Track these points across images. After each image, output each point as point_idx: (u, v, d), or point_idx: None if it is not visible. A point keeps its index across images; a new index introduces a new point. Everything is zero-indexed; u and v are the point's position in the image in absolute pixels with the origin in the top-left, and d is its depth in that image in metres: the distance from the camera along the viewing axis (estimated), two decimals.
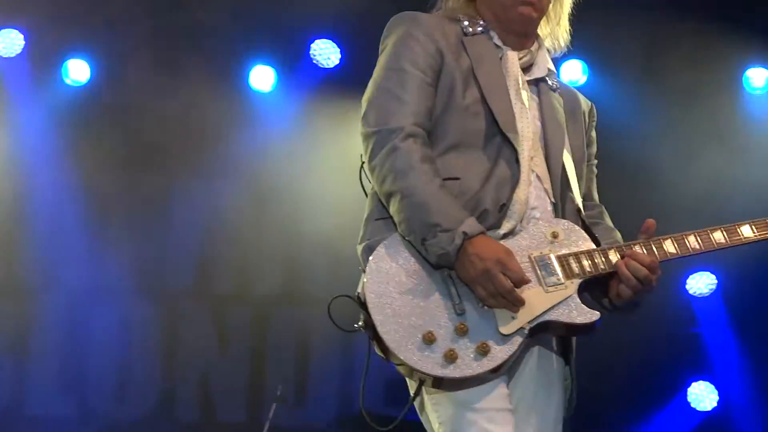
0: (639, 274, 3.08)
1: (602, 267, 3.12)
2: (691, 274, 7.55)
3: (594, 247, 3.15)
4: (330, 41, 7.55)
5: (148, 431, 7.45)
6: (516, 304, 2.98)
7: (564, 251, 3.14)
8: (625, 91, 7.49)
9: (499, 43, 3.29)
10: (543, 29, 3.41)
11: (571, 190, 3.27)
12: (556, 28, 3.41)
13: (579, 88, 7.56)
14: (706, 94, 7.46)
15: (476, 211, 3.08)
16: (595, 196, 3.47)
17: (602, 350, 7.48)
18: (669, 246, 3.15)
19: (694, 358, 7.57)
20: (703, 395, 7.51)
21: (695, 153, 7.46)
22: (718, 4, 7.28)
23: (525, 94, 3.28)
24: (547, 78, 3.36)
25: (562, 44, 3.42)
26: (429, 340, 2.98)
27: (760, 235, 3.18)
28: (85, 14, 7.26)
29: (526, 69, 3.32)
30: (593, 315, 3.06)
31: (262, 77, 7.49)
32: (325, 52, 7.53)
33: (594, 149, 3.48)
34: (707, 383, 7.52)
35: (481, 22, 3.29)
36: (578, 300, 3.08)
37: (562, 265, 3.11)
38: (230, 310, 7.74)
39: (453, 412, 3.04)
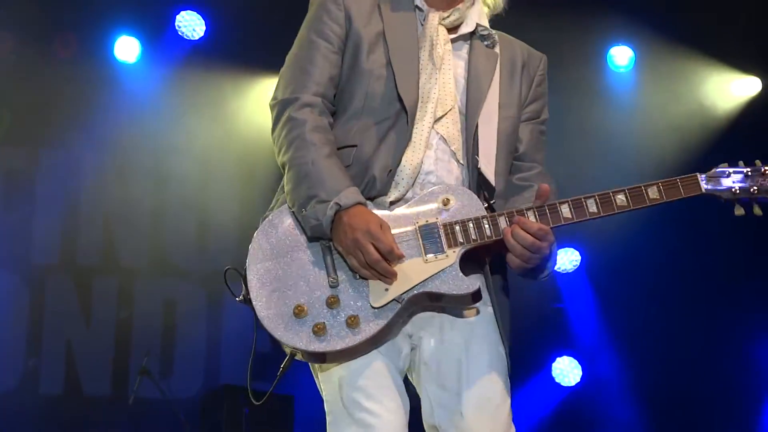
0: (525, 242, 2.94)
1: (488, 234, 2.99)
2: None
3: (484, 213, 3.02)
4: (195, 13, 7.51)
5: (13, 405, 7.38)
6: (386, 275, 2.91)
7: (453, 219, 3.02)
8: None
9: (420, 3, 3.24)
10: None
11: (477, 153, 3.15)
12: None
13: None
14: (571, 72, 7.46)
15: (365, 178, 3.05)
16: (538, 156, 3.32)
17: None
18: (565, 211, 3.00)
19: (559, 333, 7.67)
20: (567, 370, 7.61)
21: (558, 132, 7.35)
22: None
23: (443, 54, 3.20)
24: (480, 33, 3.25)
25: (499, 7, 3.35)
26: (299, 313, 2.93)
27: (666, 196, 3.01)
28: None
29: (454, 28, 3.24)
30: (471, 286, 2.94)
31: (126, 48, 7.44)
32: (190, 24, 7.50)
33: (540, 105, 3.35)
34: (571, 358, 7.62)
35: None
36: (458, 269, 2.97)
37: (446, 234, 3.01)
38: (95, 281, 7.70)
39: (334, 390, 3.00)
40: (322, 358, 2.95)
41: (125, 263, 7.72)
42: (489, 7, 3.29)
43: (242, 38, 7.61)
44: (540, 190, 2.97)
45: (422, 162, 3.08)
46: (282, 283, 2.98)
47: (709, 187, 2.98)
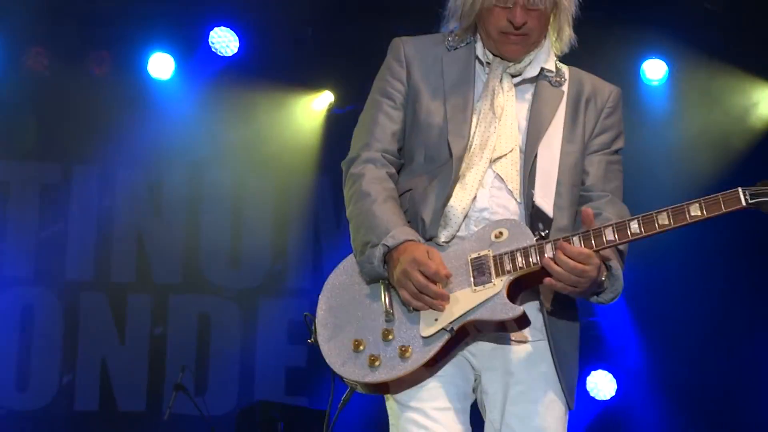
0: (567, 266, 3.02)
1: (534, 261, 3.09)
2: None
3: (533, 243, 3.13)
4: (229, 29, 7.59)
5: (48, 421, 7.52)
6: (435, 298, 3.04)
7: (503, 250, 3.14)
8: None
9: (482, 55, 3.38)
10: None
11: (534, 187, 3.26)
12: (555, 39, 3.42)
13: None
14: None
15: (417, 221, 3.23)
16: (608, 186, 3.39)
17: None
18: (609, 234, 3.07)
19: (593, 347, 7.66)
20: (601, 384, 7.62)
21: None
22: None
23: (504, 103, 3.34)
24: (546, 75, 3.39)
25: (565, 48, 3.46)
26: (357, 347, 3.10)
27: (707, 212, 3.05)
28: None
29: (519, 73, 3.38)
30: (515, 311, 3.04)
31: (160, 65, 7.53)
32: (224, 40, 7.59)
33: (610, 136, 3.43)
34: (606, 372, 7.63)
35: (470, 38, 3.41)
36: (504, 297, 3.07)
37: (495, 264, 3.12)
38: (129, 298, 7.80)
39: (394, 412, 3.18)
40: (379, 389, 3.11)
41: (159, 279, 7.85)
42: (557, 49, 3.39)
43: (275, 54, 7.72)
44: (583, 214, 3.07)
45: (475, 200, 3.22)
46: (343, 322, 3.18)
47: (752, 200, 2.99)
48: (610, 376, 7.65)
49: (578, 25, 7.45)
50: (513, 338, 3.18)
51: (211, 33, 7.54)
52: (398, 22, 6.96)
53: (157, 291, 7.89)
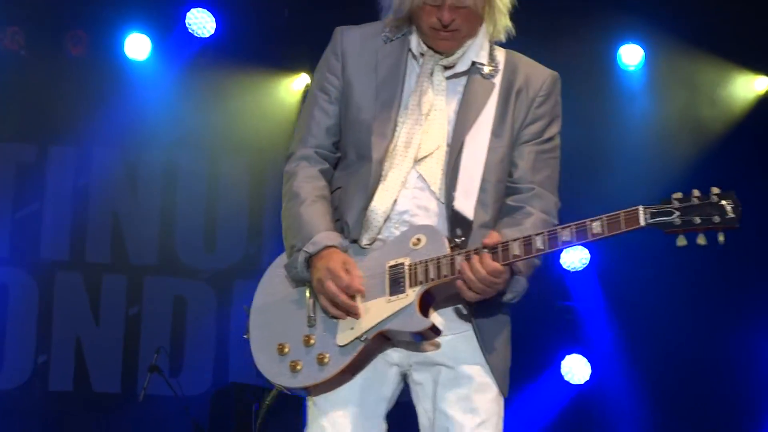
0: (479, 275, 3.11)
1: (445, 273, 3.18)
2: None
3: (446, 252, 3.20)
4: (205, 10, 7.60)
5: (23, 401, 7.56)
6: (348, 310, 3.13)
7: (419, 259, 3.21)
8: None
9: (416, 48, 3.40)
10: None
11: (455, 189, 3.32)
12: (492, 29, 3.41)
13: None
14: (582, 71, 7.56)
15: (341, 223, 3.30)
16: (537, 176, 3.43)
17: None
18: (515, 248, 3.14)
19: (568, 331, 7.78)
20: (576, 368, 7.68)
21: (569, 130, 7.44)
22: None
23: (433, 99, 3.37)
24: (478, 67, 3.41)
25: (501, 37, 3.44)
26: (281, 351, 3.21)
27: (608, 231, 3.10)
28: None
29: (451, 65, 3.41)
30: (424, 323, 3.13)
31: (137, 46, 7.54)
32: (201, 22, 7.60)
33: (541, 125, 3.44)
34: (580, 356, 7.69)
35: (406, 29, 3.42)
36: (415, 308, 3.15)
37: (410, 274, 3.20)
38: (105, 278, 7.84)
39: (311, 415, 3.30)
40: (302, 392, 3.23)
41: (135, 260, 7.89)
42: (492, 38, 3.43)
43: (252, 36, 7.76)
44: (489, 236, 3.12)
45: (396, 202, 3.27)
46: (272, 322, 3.29)
47: (651, 220, 3.02)
48: (585, 360, 7.71)
49: (554, 11, 7.57)
50: (426, 345, 3.24)
51: (188, 14, 7.54)
52: (374, 4, 6.97)
53: (133, 272, 7.93)
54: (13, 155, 7.65)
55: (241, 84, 7.79)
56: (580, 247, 7.64)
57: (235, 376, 7.66)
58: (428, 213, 3.30)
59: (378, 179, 3.31)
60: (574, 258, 7.71)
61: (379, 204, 3.28)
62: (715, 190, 3.00)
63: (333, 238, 3.24)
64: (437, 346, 3.25)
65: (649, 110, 7.90)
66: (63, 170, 7.71)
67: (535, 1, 7.69)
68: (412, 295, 3.19)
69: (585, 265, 7.76)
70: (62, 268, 7.77)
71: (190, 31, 7.60)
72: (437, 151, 3.33)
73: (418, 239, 3.26)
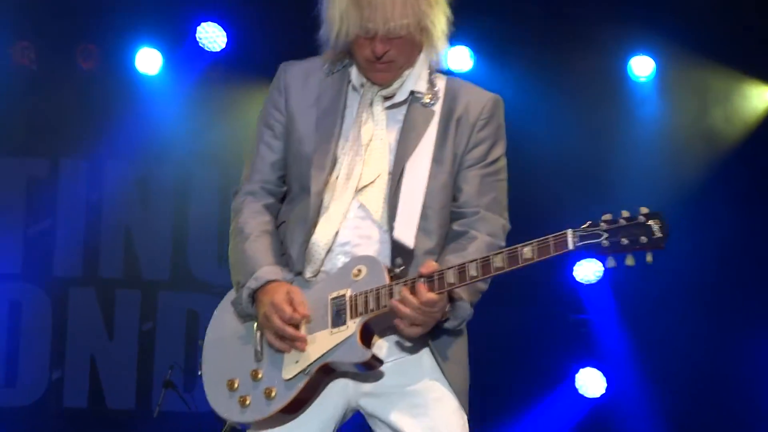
0: (409, 311, 3.13)
1: (384, 304, 3.20)
2: (578, 261, 7.70)
3: (386, 282, 3.22)
4: (216, 25, 7.61)
5: (37, 417, 7.55)
6: (294, 340, 3.15)
7: (359, 290, 3.23)
8: (513, 78, 7.65)
9: (355, 80, 3.44)
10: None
11: (395, 218, 3.33)
12: (431, 57, 3.45)
13: (465, 76, 7.66)
14: (593, 82, 7.64)
15: (286, 255, 3.33)
16: (482, 200, 3.46)
17: (493, 338, 7.74)
18: (450, 276, 3.17)
19: (583, 345, 7.79)
20: (591, 382, 7.69)
21: (581, 141, 7.69)
22: None
23: (373, 130, 3.40)
24: (417, 96, 3.44)
25: (440, 66, 3.52)
26: (231, 386, 3.27)
27: (538, 256, 3.12)
28: None
29: (391, 95, 3.45)
30: (365, 355, 3.16)
31: (148, 60, 7.56)
32: (212, 36, 7.62)
33: (484, 149, 3.48)
34: (595, 370, 7.70)
35: (347, 61, 3.46)
36: (356, 340, 3.18)
37: (350, 306, 3.23)
38: (118, 294, 7.85)
39: None
40: (256, 427, 3.26)
41: (148, 275, 7.91)
42: (431, 67, 3.46)
43: (263, 50, 7.70)
44: (426, 265, 3.14)
45: (338, 234, 3.30)
46: (222, 357, 3.35)
47: (579, 243, 3.06)
48: (600, 373, 7.72)
49: (565, 23, 7.60)
50: (369, 376, 3.28)
51: (199, 28, 7.55)
52: None
53: (146, 287, 7.94)
54: (24, 170, 7.67)
55: (252, 98, 7.75)
56: (594, 259, 7.67)
57: None
58: (370, 242, 3.33)
59: (318, 211, 3.34)
60: (588, 271, 7.73)
61: (321, 236, 3.30)
62: (644, 210, 3.04)
63: (275, 272, 3.28)
64: (379, 376, 3.28)
65: (660, 121, 7.93)
66: (75, 184, 7.73)
67: (546, 13, 7.82)
68: (352, 326, 3.22)
69: (599, 278, 7.77)
70: (75, 284, 7.79)
71: (201, 45, 7.63)
72: (378, 180, 3.37)
73: (359, 270, 3.29)
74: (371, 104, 3.44)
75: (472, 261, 3.14)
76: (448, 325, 3.25)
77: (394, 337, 3.31)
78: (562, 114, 7.71)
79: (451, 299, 3.23)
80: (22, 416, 7.35)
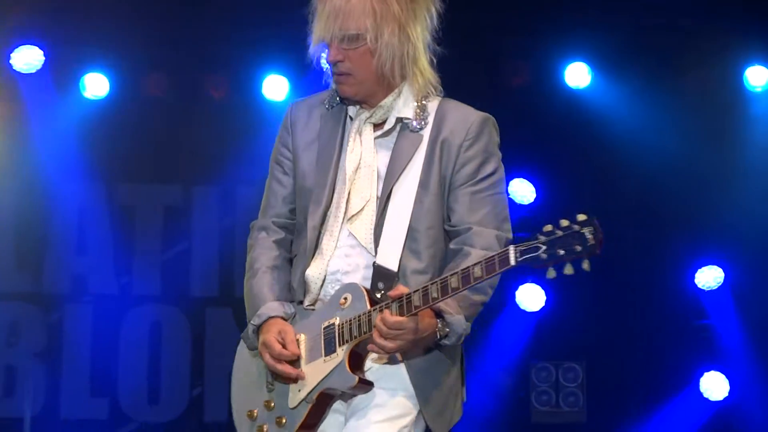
0: (384, 334, 3.28)
1: (365, 330, 3.35)
2: (699, 268, 7.93)
3: (367, 309, 3.35)
4: None
5: None
6: (287, 377, 3.39)
7: (347, 317, 3.38)
8: (630, 92, 7.85)
9: (351, 110, 3.56)
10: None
11: (378, 244, 3.46)
12: (416, 84, 3.54)
13: (583, 91, 7.70)
14: (708, 94, 7.77)
15: (290, 288, 3.55)
16: (473, 217, 3.54)
17: (616, 344, 8.34)
18: (416, 299, 3.29)
19: (705, 349, 7.98)
20: (714, 385, 7.85)
21: (697, 152, 7.85)
22: (719, 3, 7.62)
23: (369, 149, 3.52)
24: (405, 121, 3.53)
25: (433, 91, 3.59)
26: (251, 417, 3.51)
27: (486, 273, 3.23)
28: (101, 29, 7.64)
29: (380, 123, 3.55)
30: (352, 380, 3.34)
31: (275, 87, 7.81)
32: None
33: (472, 167, 3.56)
34: (718, 374, 7.86)
35: None
36: (345, 366, 3.35)
37: (339, 333, 3.38)
38: None
39: None
40: None
41: None
42: (415, 96, 3.53)
43: None
44: (395, 290, 3.28)
45: (328, 264, 3.46)
46: (243, 391, 3.60)
47: (520, 258, 3.12)
48: (723, 377, 7.87)
49: (680, 35, 7.73)
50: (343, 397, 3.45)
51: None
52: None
53: None
54: (159, 196, 7.98)
55: None
56: (715, 266, 7.93)
57: None
58: (359, 269, 3.45)
59: (315, 244, 3.48)
60: (709, 277, 7.93)
61: (314, 269, 3.46)
62: (580, 217, 3.11)
63: (276, 308, 3.46)
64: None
65: None
66: (208, 209, 8.00)
67: (661, 26, 8.02)
68: (341, 353, 3.36)
69: (719, 284, 7.95)
70: (212, 304, 8.05)
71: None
72: (367, 207, 3.48)
73: (345, 298, 3.41)
74: (360, 132, 3.54)
75: (433, 283, 3.25)
76: (446, 341, 3.36)
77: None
78: (679, 125, 7.85)
79: (442, 316, 3.33)
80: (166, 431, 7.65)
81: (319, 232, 3.50)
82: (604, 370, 8.41)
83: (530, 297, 8.25)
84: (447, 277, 3.25)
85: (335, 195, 3.52)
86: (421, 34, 3.53)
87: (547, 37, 8.16)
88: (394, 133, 3.55)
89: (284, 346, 3.39)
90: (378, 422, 3.41)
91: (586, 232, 3.10)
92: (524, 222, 7.97)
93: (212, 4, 7.75)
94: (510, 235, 3.55)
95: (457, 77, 6.79)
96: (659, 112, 7.87)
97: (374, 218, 3.49)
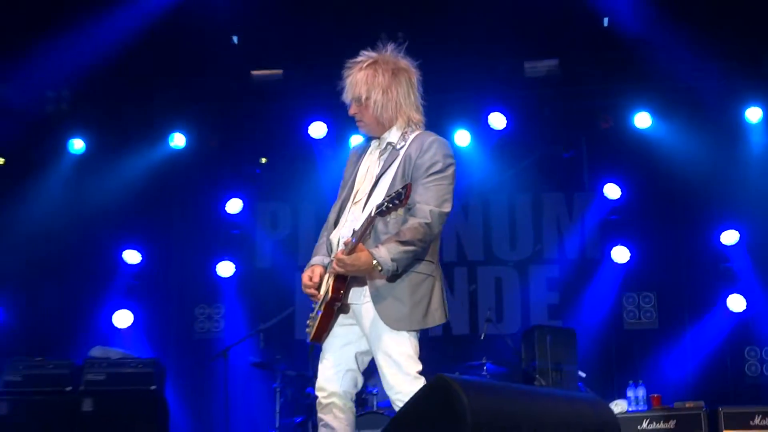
0: (336, 264, 4.40)
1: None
2: (723, 231, 10.22)
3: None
4: (499, 113, 10.23)
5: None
6: (311, 296, 4.53)
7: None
8: (674, 130, 10.25)
9: (373, 144, 4.62)
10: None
11: (357, 218, 4.47)
12: (404, 122, 4.57)
13: (646, 131, 10.73)
14: (719, 126, 9.99)
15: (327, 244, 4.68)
16: (420, 198, 4.41)
17: (674, 279, 10.37)
18: (350, 244, 4.37)
19: (729, 280, 10.35)
20: (736, 303, 10.08)
21: (718, 162, 10.02)
22: (734, 69, 9.61)
23: (373, 164, 4.59)
24: (391, 144, 4.55)
25: (405, 125, 4.61)
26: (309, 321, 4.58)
27: (367, 225, 4.43)
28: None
29: (379, 146, 4.61)
30: (329, 296, 4.46)
31: (317, 130, 10.21)
32: (495, 120, 10.27)
33: (422, 168, 4.45)
34: (739, 295, 10.12)
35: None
36: (329, 285, 4.46)
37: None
38: (457, 271, 10.95)
39: None
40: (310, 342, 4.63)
41: (470, 257, 10.96)
42: (401, 129, 4.59)
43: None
44: (346, 240, 4.40)
45: (340, 231, 4.57)
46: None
47: (377, 210, 4.33)
48: (742, 297, 10.13)
49: (705, 91, 10.10)
50: (340, 309, 4.50)
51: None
52: None
53: (470, 264, 10.98)
54: None
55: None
56: (733, 230, 10.16)
57: (536, 320, 10.44)
58: (353, 233, 4.42)
59: (336, 223, 4.65)
60: (730, 237, 10.11)
61: (335, 233, 4.62)
62: (403, 187, 4.24)
63: (317, 259, 4.61)
64: (348, 310, 4.53)
65: None
66: None
67: (691, 89, 9.90)
68: (329, 278, 4.52)
69: (737, 242, 10.14)
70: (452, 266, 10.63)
71: (490, 126, 10.28)
72: (362, 199, 4.54)
73: (342, 249, 4.47)
74: (371, 153, 4.63)
75: (353, 235, 4.31)
76: (383, 272, 4.30)
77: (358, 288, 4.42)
78: (707, 146, 9.89)
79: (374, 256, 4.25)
80: None
81: (340, 213, 4.59)
82: (668, 296, 10.75)
83: (619, 253, 10.66)
84: (361, 228, 4.28)
85: (353, 191, 4.59)
86: (404, 94, 4.49)
87: (623, 97, 10.40)
88: (386, 152, 4.53)
89: (311, 278, 4.45)
90: (389, 338, 4.43)
91: (402, 193, 4.19)
92: (614, 212, 10.97)
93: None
94: (446, 210, 4.41)
95: (575, 123, 9.91)
96: (696, 138, 10.07)
97: (363, 204, 4.49)
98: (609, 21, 9.71)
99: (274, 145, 10.76)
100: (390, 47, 4.51)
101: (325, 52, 8.56)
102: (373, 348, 4.43)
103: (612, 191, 10.92)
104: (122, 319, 10.94)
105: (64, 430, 8.44)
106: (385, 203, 4.15)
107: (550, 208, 11.37)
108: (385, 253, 4.22)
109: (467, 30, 9.63)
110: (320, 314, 4.41)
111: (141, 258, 11.06)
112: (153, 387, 8.70)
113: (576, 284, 11.06)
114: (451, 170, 4.48)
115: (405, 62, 4.51)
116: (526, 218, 11.37)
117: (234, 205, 11.11)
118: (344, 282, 4.36)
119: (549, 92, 10.41)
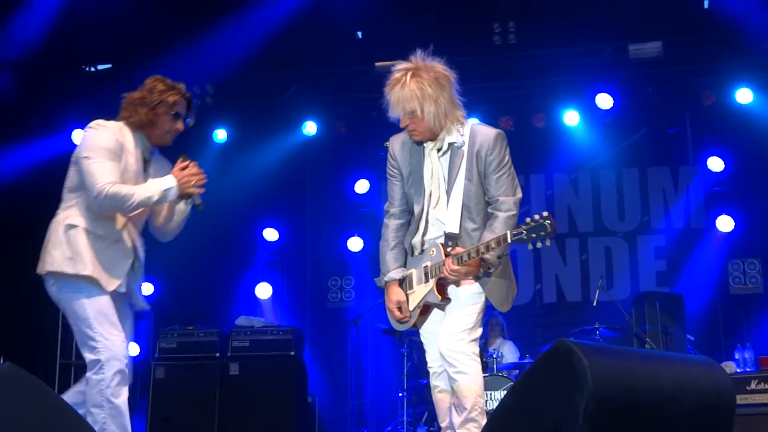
0: (447, 274, 4.63)
1: (442, 272, 4.65)
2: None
3: (442, 258, 4.62)
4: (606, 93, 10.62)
5: (525, 312, 10.67)
6: (396, 318, 4.88)
7: (432, 263, 4.67)
8: None
9: (427, 145, 4.77)
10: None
11: (447, 219, 4.68)
12: (449, 122, 4.71)
13: (747, 107, 10.96)
14: None
15: (407, 247, 4.96)
16: (498, 191, 4.65)
17: None
18: (464, 256, 4.61)
19: None
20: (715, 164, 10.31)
21: None
22: None
23: (434, 169, 4.72)
24: (452, 144, 4.69)
25: (457, 124, 4.75)
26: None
27: (496, 246, 4.51)
28: None
29: (440, 148, 4.75)
30: (436, 298, 4.73)
31: (570, 118, 10.95)
32: (601, 100, 10.57)
33: (493, 165, 4.64)
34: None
35: None
36: (434, 290, 4.71)
37: (430, 272, 4.71)
38: (569, 241, 11.50)
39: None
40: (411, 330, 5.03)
41: (581, 228, 11.45)
42: (455, 127, 4.73)
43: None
44: (454, 250, 4.62)
45: (425, 234, 4.79)
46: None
47: (512, 238, 4.37)
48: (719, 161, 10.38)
49: None
50: (440, 307, 4.82)
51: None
52: None
53: (581, 236, 11.35)
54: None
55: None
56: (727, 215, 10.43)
57: (645, 287, 10.77)
58: (439, 234, 4.72)
59: (418, 224, 4.80)
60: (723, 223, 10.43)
61: (416, 238, 4.84)
62: (544, 214, 4.34)
63: (394, 274, 4.87)
64: (444, 306, 4.78)
65: None
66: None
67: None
68: (431, 283, 4.73)
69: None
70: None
71: (598, 106, 10.60)
72: (441, 199, 4.72)
73: (432, 251, 4.74)
74: (430, 156, 4.76)
75: (474, 248, 4.50)
76: (490, 270, 4.65)
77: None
78: None
79: (483, 259, 4.53)
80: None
81: (420, 215, 4.73)
82: None
83: (724, 222, 11.07)
84: (479, 246, 4.43)
85: (425, 193, 4.73)
86: (450, 99, 4.63)
87: (724, 74, 10.55)
88: (448, 153, 4.70)
89: (400, 310, 4.74)
90: (459, 307, 4.67)
91: (548, 223, 4.29)
92: (718, 184, 11.18)
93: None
94: (520, 195, 4.68)
95: (679, 101, 10.40)
96: None
97: (445, 205, 4.66)
98: (710, 3, 10.10)
99: (396, 130, 11.34)
100: (420, 53, 4.69)
101: (441, 42, 8.81)
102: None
103: (715, 164, 11.22)
104: (263, 290, 11.97)
105: (213, 392, 9.05)
106: (524, 232, 4.41)
107: (655, 181, 11.77)
108: (492, 256, 4.62)
109: (575, 18, 10.16)
110: (418, 311, 4.93)
111: (279, 235, 12.05)
112: (292, 353, 9.29)
113: (682, 253, 11.33)
114: (509, 157, 4.81)
115: (440, 66, 4.71)
116: (633, 191, 11.75)
117: (361, 186, 11.99)
118: (446, 282, 4.83)
119: (653, 73, 10.72)
